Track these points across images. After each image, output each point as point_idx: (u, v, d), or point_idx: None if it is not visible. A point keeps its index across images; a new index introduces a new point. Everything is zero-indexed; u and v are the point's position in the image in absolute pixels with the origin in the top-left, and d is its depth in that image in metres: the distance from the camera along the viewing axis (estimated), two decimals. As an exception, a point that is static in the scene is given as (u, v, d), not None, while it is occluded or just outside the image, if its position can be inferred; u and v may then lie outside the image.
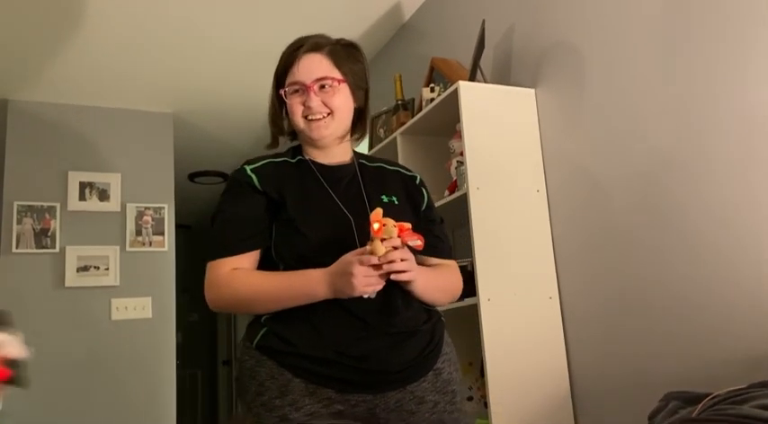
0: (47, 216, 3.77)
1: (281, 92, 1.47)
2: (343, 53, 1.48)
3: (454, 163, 2.43)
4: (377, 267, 1.26)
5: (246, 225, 1.40)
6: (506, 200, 2.26)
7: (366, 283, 1.26)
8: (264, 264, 1.41)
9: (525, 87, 2.42)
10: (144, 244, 3.96)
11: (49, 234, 3.75)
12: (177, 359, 3.97)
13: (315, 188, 1.45)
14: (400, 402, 1.35)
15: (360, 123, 1.55)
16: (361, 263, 1.25)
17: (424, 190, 1.57)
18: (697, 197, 1.78)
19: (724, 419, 1.21)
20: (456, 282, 1.54)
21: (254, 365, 1.37)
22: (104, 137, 4.03)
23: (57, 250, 3.74)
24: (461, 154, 2.29)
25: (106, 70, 3.65)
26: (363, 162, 1.55)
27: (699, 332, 1.77)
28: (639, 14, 1.99)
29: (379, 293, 1.30)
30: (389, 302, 1.35)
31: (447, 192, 2.41)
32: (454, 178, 2.43)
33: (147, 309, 3.87)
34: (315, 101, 1.43)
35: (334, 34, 1.52)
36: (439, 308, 1.50)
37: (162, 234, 4.03)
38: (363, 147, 3.16)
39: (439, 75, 2.70)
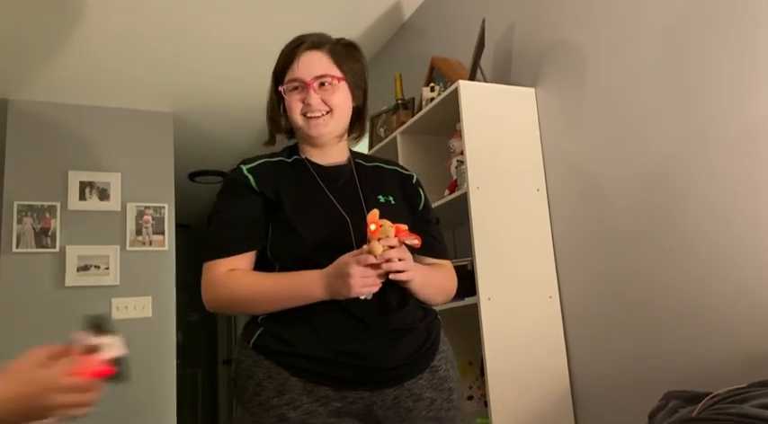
0: (47, 215, 3.77)
1: (281, 88, 1.46)
2: (344, 52, 1.48)
3: (454, 163, 2.43)
4: (375, 267, 1.25)
5: (243, 226, 1.40)
6: (506, 200, 2.26)
7: (363, 284, 1.25)
8: (260, 265, 1.41)
9: (525, 86, 2.42)
10: (144, 244, 3.96)
11: (50, 233, 3.75)
12: (177, 359, 3.97)
13: (311, 188, 1.44)
14: (397, 399, 1.35)
15: (358, 123, 1.55)
16: (359, 263, 1.24)
17: (420, 190, 1.57)
18: (697, 196, 1.78)
19: (724, 418, 1.20)
20: (451, 281, 1.54)
21: (251, 365, 1.37)
22: (104, 137, 4.04)
23: (57, 249, 3.75)
24: (461, 153, 2.29)
25: (106, 70, 3.65)
26: (360, 161, 1.55)
27: (699, 331, 1.76)
28: (640, 14, 1.99)
29: (376, 292, 1.30)
30: (386, 300, 1.35)
31: (447, 192, 2.41)
32: (454, 177, 2.42)
33: (148, 308, 3.88)
34: (314, 99, 1.42)
35: (335, 33, 1.52)
36: (439, 307, 1.50)
37: (162, 233, 4.03)
38: (363, 147, 3.16)
39: (439, 74, 2.70)
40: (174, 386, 3.89)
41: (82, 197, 3.88)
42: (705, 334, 1.75)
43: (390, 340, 1.35)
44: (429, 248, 1.46)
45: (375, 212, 1.27)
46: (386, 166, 1.58)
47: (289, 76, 1.45)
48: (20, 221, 3.70)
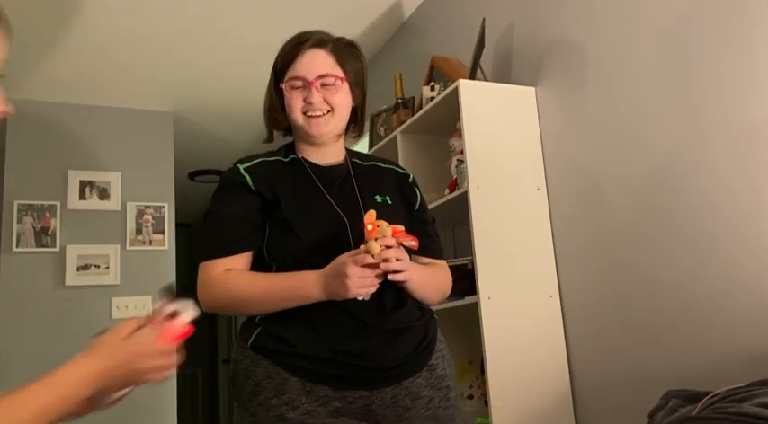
0: (47, 214, 3.77)
1: (281, 85, 1.45)
2: (346, 51, 1.47)
3: (454, 162, 2.43)
4: (372, 267, 1.25)
5: (240, 226, 1.39)
6: (506, 199, 2.26)
7: (360, 284, 1.25)
8: (257, 265, 1.41)
9: (525, 85, 2.42)
10: (144, 243, 3.96)
11: (50, 232, 3.75)
12: (177, 358, 3.96)
13: (308, 188, 1.44)
14: (396, 398, 1.35)
15: (355, 122, 1.55)
16: (356, 263, 1.24)
17: (417, 190, 1.56)
18: (697, 196, 1.78)
19: (724, 417, 1.20)
20: (446, 280, 1.55)
21: (249, 364, 1.36)
22: (104, 136, 4.04)
23: (57, 249, 3.75)
24: (461, 152, 2.29)
25: (106, 69, 3.65)
26: (356, 161, 1.54)
27: (699, 331, 1.77)
28: (640, 14, 1.99)
29: (373, 292, 1.30)
30: (384, 300, 1.35)
31: (447, 191, 2.41)
32: (454, 176, 2.42)
33: (148, 308, 3.86)
34: (316, 98, 1.41)
35: (335, 32, 1.51)
36: (439, 306, 1.50)
37: (162, 232, 4.03)
38: (363, 146, 3.16)
39: (439, 73, 2.70)
40: (174, 386, 3.89)
41: (82, 196, 3.88)
42: (705, 333, 1.75)
43: (389, 339, 1.35)
44: (425, 248, 1.46)
45: (372, 212, 1.27)
46: (382, 165, 1.57)
47: (290, 74, 1.43)
48: (20, 220, 3.70)
